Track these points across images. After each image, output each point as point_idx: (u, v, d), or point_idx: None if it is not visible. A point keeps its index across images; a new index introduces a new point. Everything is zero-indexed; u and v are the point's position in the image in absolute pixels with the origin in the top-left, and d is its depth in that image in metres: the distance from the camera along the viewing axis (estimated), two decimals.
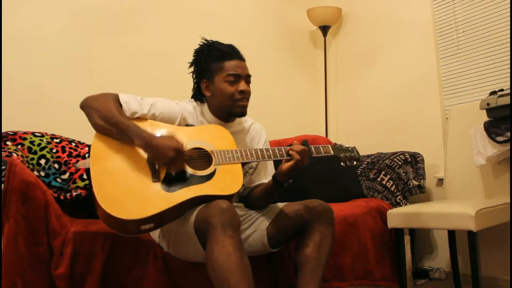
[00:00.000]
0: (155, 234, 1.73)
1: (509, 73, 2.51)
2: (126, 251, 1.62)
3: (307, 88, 3.56)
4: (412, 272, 2.53)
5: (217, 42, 1.77)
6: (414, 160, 2.68)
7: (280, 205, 1.78)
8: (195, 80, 1.80)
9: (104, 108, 1.56)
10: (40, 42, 2.38)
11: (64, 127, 2.25)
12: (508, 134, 2.14)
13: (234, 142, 1.69)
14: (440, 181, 2.79)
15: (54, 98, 2.37)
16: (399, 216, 2.26)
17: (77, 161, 2.11)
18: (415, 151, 2.74)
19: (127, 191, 1.47)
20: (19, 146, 1.96)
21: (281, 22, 3.44)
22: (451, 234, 2.48)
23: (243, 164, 1.68)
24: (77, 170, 2.07)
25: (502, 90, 2.19)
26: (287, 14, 3.49)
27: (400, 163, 2.66)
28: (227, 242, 1.38)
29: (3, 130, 2.00)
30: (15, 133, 2.02)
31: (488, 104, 2.18)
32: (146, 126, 1.63)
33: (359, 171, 2.81)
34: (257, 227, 1.74)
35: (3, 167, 1.53)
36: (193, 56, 1.79)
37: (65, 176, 2.05)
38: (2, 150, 1.84)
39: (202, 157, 1.63)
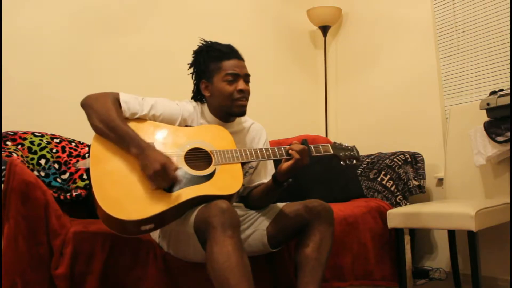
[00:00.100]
0: (155, 234, 1.73)
1: (509, 73, 2.51)
2: (126, 251, 1.62)
3: (307, 88, 3.56)
4: (412, 272, 2.53)
5: (216, 42, 1.77)
6: (414, 160, 2.68)
7: (280, 205, 1.78)
8: (194, 81, 1.80)
9: (104, 110, 1.56)
10: (40, 42, 2.38)
11: (64, 127, 2.25)
12: (508, 134, 2.14)
13: (233, 142, 1.69)
14: (440, 181, 2.79)
15: (54, 98, 2.37)
16: (399, 216, 2.26)
17: (77, 161, 2.11)
18: (415, 151, 2.74)
19: (127, 191, 1.47)
20: (19, 146, 1.96)
21: (281, 22, 3.44)
22: (451, 234, 2.48)
23: (243, 164, 1.68)
24: (77, 170, 2.07)
25: (502, 90, 2.19)
26: (287, 14, 3.49)
27: (400, 163, 2.66)
28: (227, 242, 1.38)
29: (3, 130, 2.00)
30: (15, 133, 2.02)
31: (488, 104, 2.18)
32: (147, 127, 1.63)
33: (359, 171, 2.81)
34: (257, 227, 1.74)
35: (3, 167, 1.53)
36: (192, 57, 1.79)
37: (65, 176, 2.05)
38: (2, 150, 1.84)
39: (202, 157, 1.63)
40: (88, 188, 2.02)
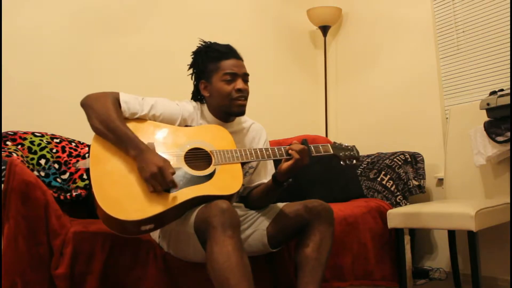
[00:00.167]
0: (155, 234, 1.73)
1: (509, 73, 2.51)
2: (126, 251, 1.62)
3: (307, 88, 3.56)
4: (412, 272, 2.53)
5: (214, 43, 1.77)
6: (414, 160, 2.68)
7: (280, 205, 1.78)
8: (194, 82, 1.80)
9: (103, 110, 1.55)
10: (40, 42, 2.38)
11: (64, 127, 2.25)
12: (508, 134, 2.14)
13: (233, 142, 1.69)
14: (440, 181, 2.79)
15: (54, 98, 2.37)
16: (399, 216, 2.26)
17: (77, 161, 2.11)
18: (415, 151, 2.74)
19: (127, 192, 1.47)
20: (19, 146, 1.96)
21: (281, 22, 3.44)
22: (451, 234, 2.48)
23: (243, 164, 1.68)
24: (77, 170, 2.07)
25: (502, 90, 2.19)
26: (287, 14, 3.49)
27: (400, 163, 2.66)
28: (227, 242, 1.38)
29: (3, 130, 2.00)
30: (15, 133, 2.02)
31: (488, 104, 2.18)
32: (147, 127, 1.63)
33: (359, 171, 2.81)
34: (257, 227, 1.74)
35: (3, 167, 1.53)
36: (191, 57, 1.80)
37: (65, 176, 2.05)
38: (2, 150, 1.84)
39: (202, 157, 1.63)
40: (88, 188, 2.02)
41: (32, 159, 1.97)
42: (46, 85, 2.37)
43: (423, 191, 2.65)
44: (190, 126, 1.73)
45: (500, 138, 2.18)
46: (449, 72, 2.86)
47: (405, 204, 2.58)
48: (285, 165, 1.65)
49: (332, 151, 1.76)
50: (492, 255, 2.41)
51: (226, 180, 1.58)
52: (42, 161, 2.00)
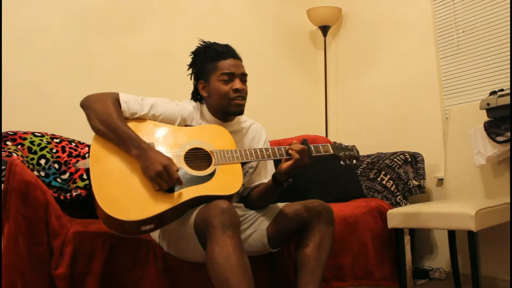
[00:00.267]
0: (155, 234, 1.73)
1: (509, 73, 2.51)
2: (126, 251, 1.62)
3: (307, 88, 3.56)
4: (412, 272, 2.53)
5: (213, 43, 1.78)
6: (414, 160, 2.68)
7: (280, 205, 1.78)
8: (194, 82, 1.81)
9: (104, 111, 1.55)
10: (40, 42, 2.38)
11: (64, 127, 2.25)
12: (508, 134, 2.14)
13: (233, 142, 1.69)
14: (440, 181, 2.79)
15: (54, 98, 2.37)
16: (399, 216, 2.26)
17: (77, 161, 2.11)
18: (415, 151, 2.74)
19: (127, 192, 1.47)
20: (19, 146, 1.96)
21: (281, 22, 3.44)
22: (451, 234, 2.48)
23: (243, 164, 1.68)
24: (77, 170, 2.07)
25: (502, 90, 2.19)
26: (287, 14, 3.49)
27: (400, 163, 2.66)
28: (227, 242, 1.38)
29: (3, 130, 2.00)
30: (15, 133, 2.02)
31: (488, 104, 2.18)
32: (147, 126, 1.63)
33: (359, 171, 2.81)
34: (257, 227, 1.74)
35: (3, 167, 1.53)
36: (191, 58, 1.80)
37: (65, 176, 2.05)
38: (2, 150, 1.84)
39: (202, 157, 1.63)
40: (88, 188, 2.02)
41: (32, 159, 1.97)
42: (46, 85, 2.37)
43: (423, 191, 2.65)
44: (190, 126, 1.73)
45: (500, 138, 2.18)
46: (449, 72, 2.86)
47: (405, 204, 2.58)
48: (285, 165, 1.65)
49: (332, 151, 1.76)
50: (492, 255, 2.41)
51: (226, 180, 1.58)
52: (42, 161, 2.00)
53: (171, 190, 1.49)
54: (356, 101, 3.38)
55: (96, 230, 1.59)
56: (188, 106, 1.75)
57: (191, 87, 1.83)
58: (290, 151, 1.64)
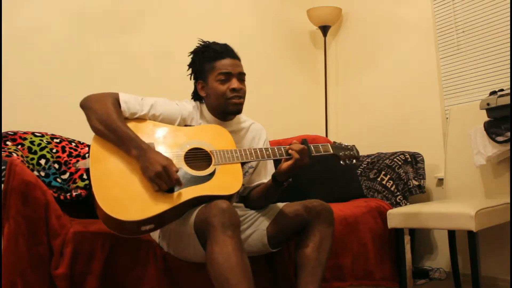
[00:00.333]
0: (155, 234, 1.73)
1: (509, 73, 2.51)
2: (126, 251, 1.62)
3: (307, 88, 3.56)
4: (412, 272, 2.53)
5: (213, 43, 1.78)
6: (414, 160, 2.68)
7: (280, 205, 1.78)
8: (194, 82, 1.81)
9: (104, 111, 1.55)
10: (40, 42, 2.38)
11: (64, 127, 2.25)
12: (508, 134, 2.14)
13: (233, 142, 1.69)
14: (440, 181, 2.79)
15: (54, 98, 2.37)
16: (399, 216, 2.26)
17: (77, 161, 2.11)
18: (415, 151, 2.74)
19: (127, 192, 1.47)
20: (19, 146, 1.96)
21: (281, 22, 3.44)
22: (451, 234, 2.48)
23: (243, 164, 1.68)
24: (77, 170, 2.07)
25: (502, 90, 2.19)
26: (287, 14, 3.49)
27: (400, 163, 2.66)
28: (227, 242, 1.38)
29: (3, 130, 2.00)
30: (15, 133, 2.02)
31: (488, 104, 2.18)
32: (146, 126, 1.63)
33: (359, 171, 2.81)
34: (257, 227, 1.74)
35: (3, 167, 1.53)
36: (190, 58, 1.80)
37: (65, 176, 2.05)
38: (2, 150, 1.84)
39: (202, 157, 1.63)
40: (88, 188, 2.02)
41: (32, 159, 1.97)
42: (46, 85, 2.37)
43: (423, 191, 2.65)
44: (190, 125, 1.73)
45: (500, 138, 2.18)
46: (449, 72, 2.86)
47: (405, 204, 2.58)
48: (285, 165, 1.65)
49: (332, 151, 1.76)
50: (492, 255, 2.41)
51: (226, 180, 1.58)
52: (42, 161, 2.00)
53: (170, 191, 1.49)
54: (356, 101, 3.38)
55: (96, 230, 1.59)
56: (188, 106, 1.75)
57: (191, 87, 1.83)
58: (290, 151, 1.64)
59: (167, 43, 2.81)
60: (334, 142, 1.82)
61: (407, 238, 2.39)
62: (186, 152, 1.61)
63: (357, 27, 3.41)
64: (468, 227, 1.97)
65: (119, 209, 1.41)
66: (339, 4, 3.39)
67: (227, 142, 1.68)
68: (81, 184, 2.05)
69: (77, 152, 2.14)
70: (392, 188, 2.64)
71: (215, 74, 1.71)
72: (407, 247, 2.39)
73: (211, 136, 1.68)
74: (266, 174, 1.86)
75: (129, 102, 1.63)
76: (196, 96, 1.82)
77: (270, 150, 1.67)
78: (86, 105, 1.60)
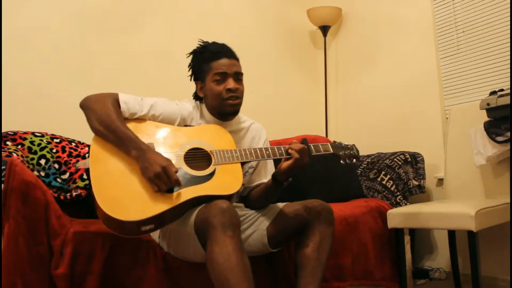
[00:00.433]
0: (155, 234, 1.73)
1: (509, 73, 2.50)
2: (126, 251, 1.62)
3: (307, 88, 3.56)
4: (412, 272, 2.53)
5: (212, 43, 1.78)
6: (414, 160, 2.68)
7: (280, 205, 1.77)
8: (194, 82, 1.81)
9: (103, 112, 1.55)
10: (40, 42, 2.38)
11: (64, 127, 2.25)
12: (508, 134, 2.14)
13: (233, 141, 1.69)
14: (440, 181, 2.79)
15: (54, 98, 2.37)
16: (399, 216, 2.26)
17: (77, 161, 2.11)
18: (415, 151, 2.74)
19: (127, 192, 1.47)
20: (19, 146, 1.96)
21: (281, 22, 3.44)
22: (451, 234, 2.48)
23: (243, 164, 1.68)
24: (77, 170, 2.07)
25: (502, 90, 2.19)
26: (287, 14, 3.49)
27: (400, 163, 2.66)
28: (227, 242, 1.38)
29: (3, 130, 2.00)
30: (15, 133, 2.02)
31: (488, 104, 2.18)
32: (146, 127, 1.63)
33: (359, 171, 2.81)
34: (257, 227, 1.74)
35: (3, 167, 1.53)
36: (188, 58, 1.81)
37: (65, 176, 2.05)
38: (2, 150, 1.84)
39: (202, 157, 1.63)
40: (88, 188, 2.02)
41: (32, 159, 1.97)
42: (46, 85, 2.37)
43: (423, 191, 2.65)
44: (189, 125, 1.73)
45: (500, 138, 2.18)
46: (449, 72, 2.86)
47: (405, 204, 2.58)
48: (284, 164, 1.64)
49: (332, 150, 1.76)
50: (492, 255, 2.41)
51: (226, 180, 1.58)
52: (42, 161, 2.00)
53: (170, 191, 1.49)
54: (356, 101, 3.38)
55: (96, 230, 1.59)
56: (188, 106, 1.75)
57: (191, 87, 1.83)
58: (289, 151, 1.64)
59: (167, 43, 2.81)
60: (334, 142, 1.81)
61: (407, 238, 2.39)
62: (186, 152, 1.61)
63: (357, 27, 3.41)
64: (468, 227, 1.97)
65: (119, 209, 1.41)
66: (339, 4, 3.39)
67: (227, 142, 1.68)
68: (81, 184, 2.05)
69: (77, 152, 2.14)
70: (392, 188, 2.64)
71: (211, 75, 1.71)
72: (407, 247, 2.39)
73: (211, 136, 1.68)
74: (266, 174, 1.86)
75: (129, 102, 1.63)
76: (197, 96, 1.82)
77: (270, 150, 1.67)
78: (86, 105, 1.60)
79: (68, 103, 2.01)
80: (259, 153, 1.66)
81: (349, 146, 1.81)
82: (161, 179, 1.45)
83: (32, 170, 1.93)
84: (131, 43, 2.68)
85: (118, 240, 1.59)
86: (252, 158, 1.65)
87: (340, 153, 1.77)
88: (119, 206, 1.42)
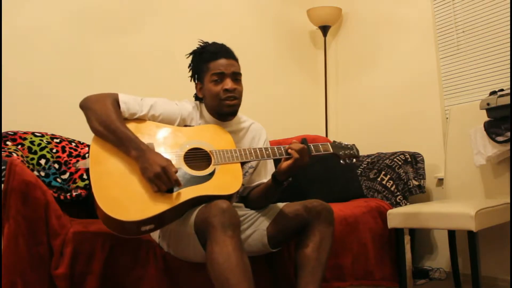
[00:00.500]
0: (155, 234, 1.73)
1: (509, 73, 2.51)
2: (126, 251, 1.62)
3: (307, 88, 3.56)
4: (412, 272, 2.53)
5: (212, 43, 1.78)
6: (414, 160, 2.68)
7: (280, 205, 1.77)
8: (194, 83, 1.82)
9: (103, 112, 1.55)
10: (40, 42, 2.38)
11: (64, 127, 2.25)
12: (508, 134, 2.14)
13: (233, 141, 1.69)
14: (440, 181, 2.79)
15: (54, 98, 2.37)
16: (399, 216, 2.26)
17: (77, 161, 2.11)
18: (415, 151, 2.74)
19: (126, 192, 1.47)
20: (19, 146, 1.96)
21: (281, 22, 3.44)
22: (451, 234, 2.48)
23: (243, 164, 1.68)
24: (77, 170, 2.07)
25: (502, 90, 2.19)
26: (287, 14, 3.49)
27: (400, 163, 2.66)
28: (227, 242, 1.38)
29: (3, 130, 2.00)
30: (15, 133, 2.02)
31: (488, 104, 2.18)
32: (146, 127, 1.63)
33: (359, 171, 2.81)
34: (257, 227, 1.74)
35: (3, 167, 1.53)
36: (188, 59, 1.81)
37: (65, 176, 2.05)
38: (2, 150, 1.84)
39: (202, 157, 1.63)
40: (88, 188, 2.02)
41: (32, 159, 1.97)
42: (46, 85, 2.37)
43: (423, 191, 2.65)
44: (189, 125, 1.73)
45: (500, 138, 2.18)
46: (449, 72, 2.86)
47: (405, 204, 2.58)
48: (284, 164, 1.64)
49: (331, 150, 1.76)
50: (492, 255, 2.41)
51: (226, 180, 1.58)
52: (42, 161, 2.00)
53: (170, 191, 1.49)
54: (356, 101, 3.38)
55: (96, 230, 1.59)
56: (188, 106, 1.75)
57: (191, 87, 1.83)
58: (289, 151, 1.64)
59: (167, 43, 2.81)
60: (334, 141, 1.81)
61: (407, 238, 2.39)
62: (186, 152, 1.61)
63: (357, 27, 3.41)
64: (468, 227, 1.97)
65: (119, 210, 1.41)
66: (339, 4, 3.39)
67: (227, 142, 1.68)
68: (81, 184, 2.05)
69: (77, 152, 2.14)
70: (392, 188, 2.64)
71: (209, 75, 1.71)
72: (407, 247, 2.39)
73: (210, 136, 1.68)
74: (266, 174, 1.86)
75: (129, 102, 1.63)
76: (197, 97, 1.82)
77: (269, 150, 1.67)
78: (86, 105, 1.60)
79: (68, 103, 2.01)
80: (259, 153, 1.66)
81: (349, 146, 1.81)
82: (161, 179, 1.45)
83: (32, 170, 1.93)
84: (131, 43, 2.68)
85: (118, 240, 1.59)
86: (252, 158, 1.65)
87: (340, 153, 1.77)
88: (119, 206, 1.42)
